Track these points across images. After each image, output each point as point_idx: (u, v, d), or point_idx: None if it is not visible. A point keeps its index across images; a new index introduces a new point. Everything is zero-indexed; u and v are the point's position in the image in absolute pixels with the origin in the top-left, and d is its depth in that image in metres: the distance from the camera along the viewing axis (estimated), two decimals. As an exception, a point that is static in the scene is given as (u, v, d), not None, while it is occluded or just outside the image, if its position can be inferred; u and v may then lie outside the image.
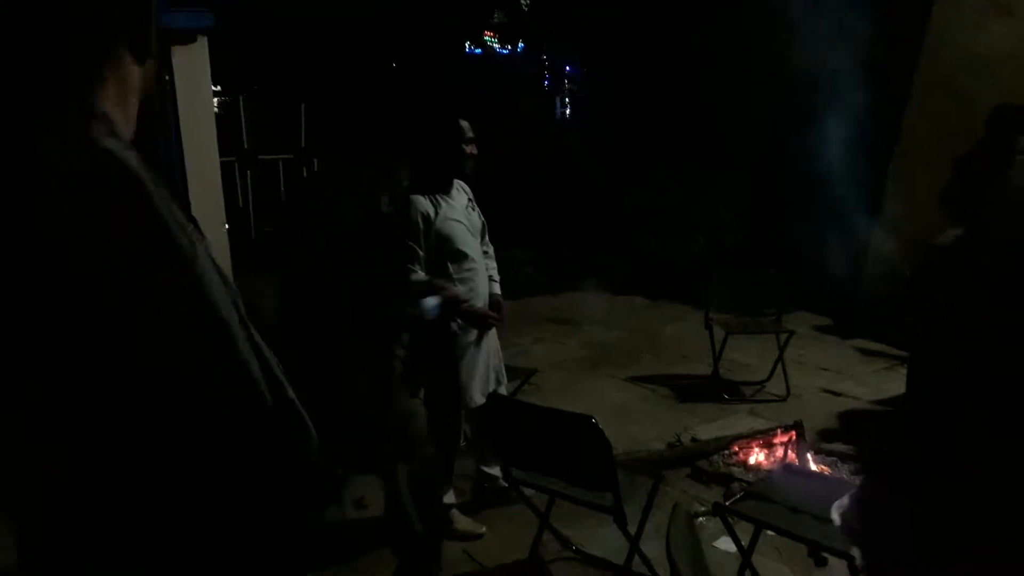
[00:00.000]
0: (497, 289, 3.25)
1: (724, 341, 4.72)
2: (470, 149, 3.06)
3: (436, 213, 2.98)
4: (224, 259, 6.16)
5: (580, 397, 4.48)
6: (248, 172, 9.23)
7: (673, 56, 8.00)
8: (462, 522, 3.20)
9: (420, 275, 2.97)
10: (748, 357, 5.11)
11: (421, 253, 2.97)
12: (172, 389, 0.87)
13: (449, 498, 3.17)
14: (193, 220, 0.96)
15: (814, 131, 6.25)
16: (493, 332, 3.22)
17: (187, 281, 0.88)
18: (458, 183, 3.14)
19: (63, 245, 0.82)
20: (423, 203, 2.98)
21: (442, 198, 3.03)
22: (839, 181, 6.21)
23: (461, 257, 3.04)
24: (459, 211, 3.06)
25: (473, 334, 3.09)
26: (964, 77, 5.44)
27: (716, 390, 4.62)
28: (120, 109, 0.96)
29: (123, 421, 0.87)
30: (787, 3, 6.09)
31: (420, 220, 2.96)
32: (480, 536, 3.16)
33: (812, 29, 5.93)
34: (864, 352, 5.45)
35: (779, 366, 4.65)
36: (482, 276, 3.15)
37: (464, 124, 3.05)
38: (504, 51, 13.22)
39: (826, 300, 6.22)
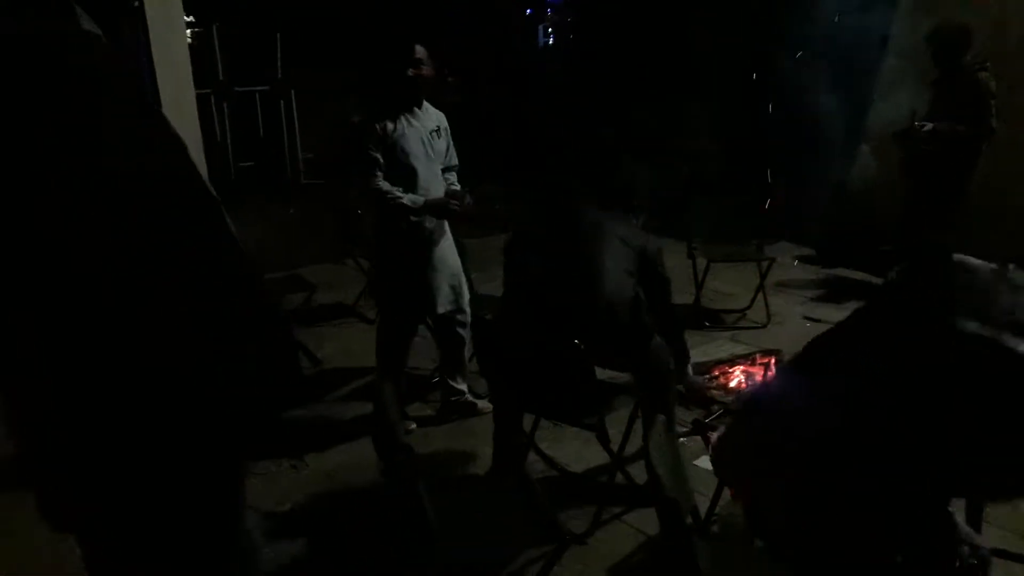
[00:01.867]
0: (456, 184, 3.39)
1: (706, 270, 4.76)
2: (424, 71, 3.15)
3: (395, 128, 3.15)
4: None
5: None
6: (224, 105, 9.03)
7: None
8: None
9: (382, 183, 3.15)
10: (731, 286, 5.17)
11: (381, 161, 3.15)
12: (167, 246, 0.97)
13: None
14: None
15: (798, 58, 6.21)
16: (452, 250, 3.39)
17: (172, 135, 1.00)
18: (435, 111, 3.31)
19: (68, 110, 0.92)
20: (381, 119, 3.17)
21: (406, 117, 3.18)
22: (822, 109, 6.22)
23: (412, 174, 3.18)
24: (420, 131, 3.20)
25: (441, 242, 3.31)
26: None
27: (698, 318, 4.67)
28: None
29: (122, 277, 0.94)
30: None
31: (380, 130, 3.14)
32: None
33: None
34: (845, 280, 5.53)
35: (760, 294, 4.71)
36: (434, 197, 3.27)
37: (419, 48, 3.14)
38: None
39: (809, 230, 6.27)
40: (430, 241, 3.28)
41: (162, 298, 0.94)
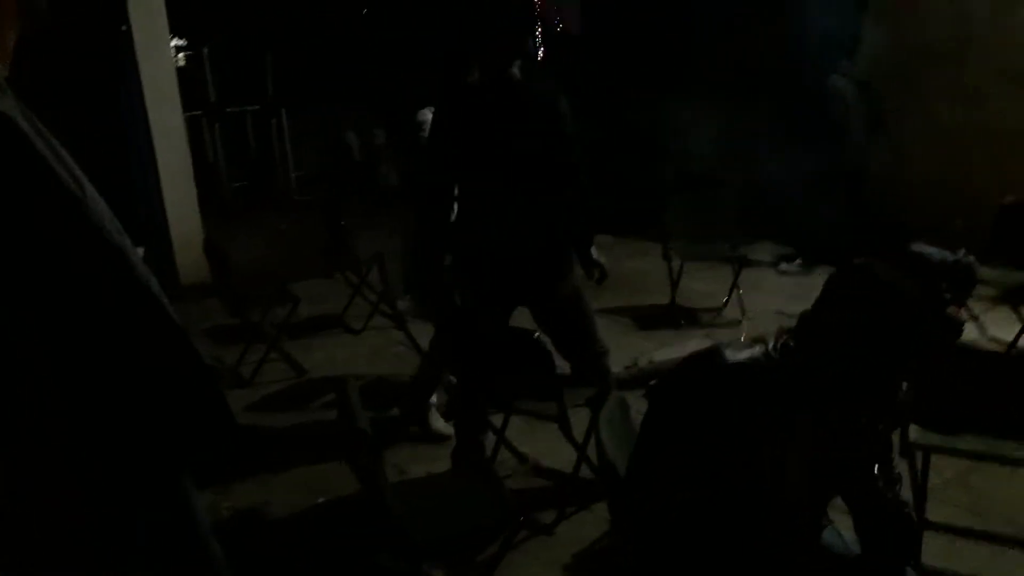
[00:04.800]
0: None
1: (680, 269, 4.87)
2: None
3: None
4: (193, 216, 6.21)
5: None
6: (216, 125, 9.20)
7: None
8: (438, 422, 3.47)
9: None
10: (707, 285, 5.27)
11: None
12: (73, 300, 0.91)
13: (433, 398, 3.51)
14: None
15: (785, 57, 6.29)
16: None
17: (75, 206, 0.91)
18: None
19: None
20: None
21: None
22: (809, 107, 6.28)
23: None
24: None
25: None
26: None
27: (674, 317, 4.78)
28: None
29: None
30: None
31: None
32: (449, 438, 3.35)
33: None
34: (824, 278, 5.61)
35: (734, 292, 4.81)
36: None
37: None
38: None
39: (791, 230, 6.35)
40: None
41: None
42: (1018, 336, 3.98)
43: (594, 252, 2.85)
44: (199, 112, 8.75)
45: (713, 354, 1.50)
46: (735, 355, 1.47)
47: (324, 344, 4.79)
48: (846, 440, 1.52)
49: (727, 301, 4.91)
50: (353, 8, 12.07)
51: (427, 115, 3.24)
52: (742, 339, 3.51)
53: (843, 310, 1.44)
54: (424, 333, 4.11)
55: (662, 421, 1.60)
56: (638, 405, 3.62)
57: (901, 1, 5.98)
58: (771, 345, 1.48)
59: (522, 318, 2.97)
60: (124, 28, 5.82)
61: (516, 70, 2.71)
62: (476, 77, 3.12)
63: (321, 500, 3.00)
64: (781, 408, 1.45)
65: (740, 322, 4.68)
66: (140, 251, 1.12)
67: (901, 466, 1.82)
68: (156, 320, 1.00)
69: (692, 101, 7.25)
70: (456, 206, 2.90)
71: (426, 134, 3.15)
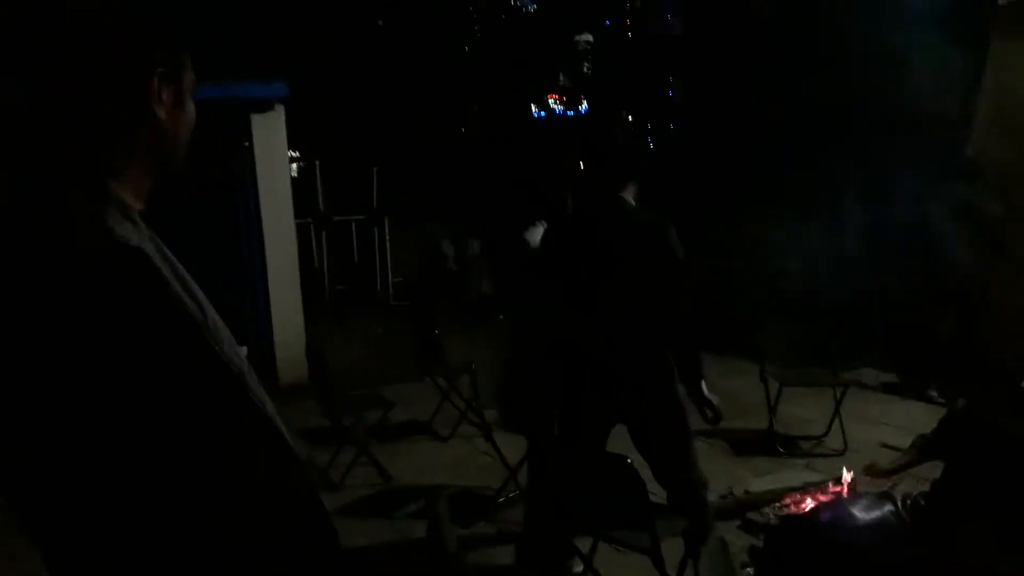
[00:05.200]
0: None
1: (779, 394, 4.69)
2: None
3: None
4: (297, 318, 6.48)
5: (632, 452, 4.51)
6: (323, 232, 9.70)
7: (733, 102, 8.10)
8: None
9: None
10: (807, 412, 5.04)
11: None
12: (200, 444, 0.90)
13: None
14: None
15: (883, 174, 6.20)
16: None
17: (205, 348, 0.92)
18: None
19: (83, 339, 0.83)
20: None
21: None
22: (907, 231, 6.11)
23: None
24: None
25: None
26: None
27: (771, 444, 4.58)
28: (143, 171, 1.00)
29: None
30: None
31: None
32: None
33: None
34: (932, 407, 5.29)
35: (836, 420, 4.58)
36: None
37: None
38: (568, 112, 13.58)
39: (894, 355, 6.08)
40: None
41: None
42: None
43: (704, 389, 2.77)
44: (308, 220, 9.26)
45: (842, 509, 1.44)
46: (866, 514, 1.41)
47: (411, 450, 4.80)
48: None
49: (828, 429, 4.67)
50: (453, 128, 12.76)
51: (535, 233, 3.26)
52: (851, 482, 3.35)
53: (974, 478, 1.36)
54: (509, 443, 4.09)
55: (782, 573, 1.52)
56: (732, 537, 3.46)
57: None
58: (900, 503, 1.42)
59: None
60: (247, 144, 6.30)
61: (630, 197, 2.75)
62: (570, 202, 3.20)
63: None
64: (912, 567, 1.36)
65: (843, 453, 4.43)
66: (244, 350, 1.16)
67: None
68: (271, 442, 1.02)
69: (786, 219, 7.19)
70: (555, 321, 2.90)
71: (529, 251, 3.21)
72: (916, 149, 6.04)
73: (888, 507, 1.41)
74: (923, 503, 1.39)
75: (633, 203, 2.76)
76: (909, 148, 6.15)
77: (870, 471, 2.76)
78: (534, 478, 3.28)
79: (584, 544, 2.91)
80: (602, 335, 2.71)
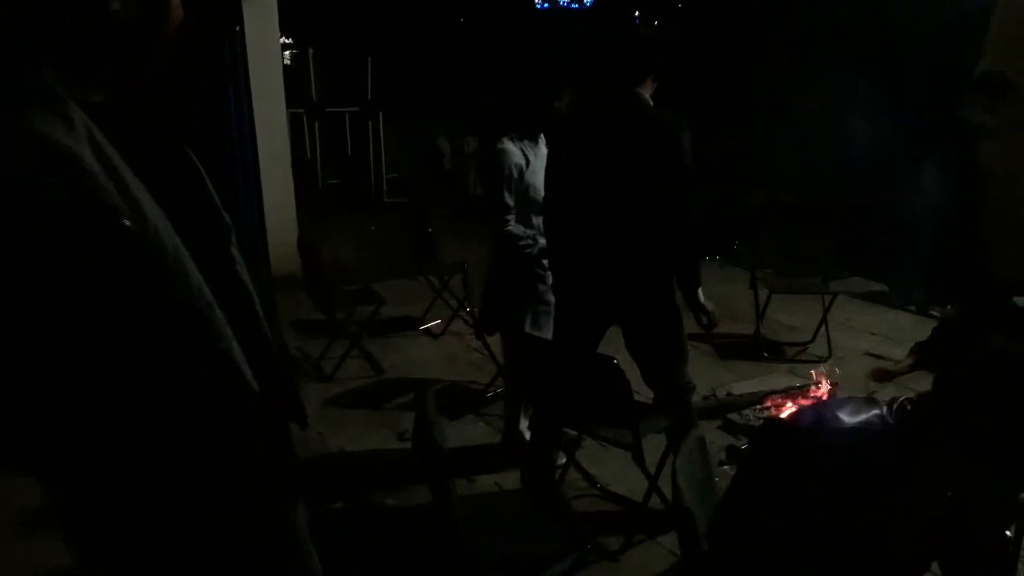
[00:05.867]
0: None
1: (767, 301, 4.74)
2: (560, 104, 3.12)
3: (527, 164, 3.15)
4: (289, 210, 6.43)
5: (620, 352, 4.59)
6: (316, 124, 9.50)
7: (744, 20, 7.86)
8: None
9: (515, 228, 3.17)
10: (794, 319, 5.12)
11: (511, 204, 3.14)
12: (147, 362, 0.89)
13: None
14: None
15: (883, 92, 6.08)
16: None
17: (138, 264, 0.88)
18: (541, 136, 3.25)
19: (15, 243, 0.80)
20: (517, 155, 3.14)
21: (530, 150, 3.18)
22: (909, 148, 6.04)
23: (535, 208, 3.15)
24: (543, 164, 3.13)
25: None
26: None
27: (757, 349, 4.66)
28: (98, 61, 0.95)
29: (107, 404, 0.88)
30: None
31: (514, 171, 3.12)
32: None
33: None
34: (917, 318, 5.38)
35: (822, 328, 4.66)
36: None
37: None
38: (573, 5, 13.07)
39: (885, 266, 6.11)
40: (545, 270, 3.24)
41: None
42: None
43: (701, 296, 2.77)
44: (301, 110, 9.05)
45: (827, 412, 1.47)
46: (851, 417, 1.44)
47: (403, 345, 4.87)
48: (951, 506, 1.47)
49: (814, 337, 4.75)
50: (453, 19, 12.29)
51: (508, 146, 3.16)
52: (832, 387, 3.43)
53: (967, 392, 1.39)
54: (499, 341, 4.14)
55: (764, 474, 1.56)
56: (712, 436, 3.58)
57: None
58: (884, 409, 1.45)
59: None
60: (238, 28, 6.07)
61: (647, 94, 2.67)
62: (565, 103, 3.09)
63: (390, 502, 3.05)
64: (895, 471, 1.41)
65: (826, 359, 4.52)
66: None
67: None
68: (220, 371, 0.99)
69: (787, 129, 7.07)
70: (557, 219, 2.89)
71: (505, 169, 3.12)
72: (924, 64, 5.90)
73: (874, 411, 1.44)
74: (909, 408, 1.43)
75: (651, 101, 2.68)
76: (917, 63, 5.99)
77: (876, 375, 2.81)
78: (514, 373, 3.37)
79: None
80: (605, 236, 2.69)
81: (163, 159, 1.09)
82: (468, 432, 3.71)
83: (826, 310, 4.61)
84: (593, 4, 12.91)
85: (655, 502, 2.84)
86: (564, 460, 3.15)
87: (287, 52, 9.60)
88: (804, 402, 3.70)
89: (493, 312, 3.45)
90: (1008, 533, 1.61)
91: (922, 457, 1.40)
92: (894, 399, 1.47)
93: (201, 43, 5.79)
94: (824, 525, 1.44)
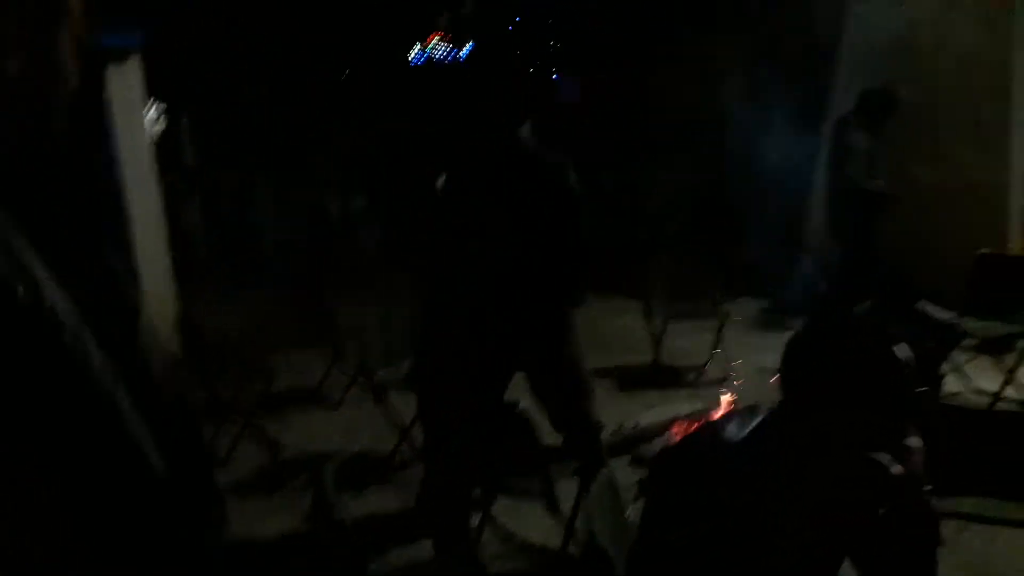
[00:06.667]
0: None
1: (663, 328, 4.83)
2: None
3: None
4: (167, 283, 6.09)
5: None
6: (195, 191, 9.15)
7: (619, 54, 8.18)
8: None
9: None
10: (691, 343, 5.22)
11: None
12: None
13: None
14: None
15: (752, 118, 6.42)
16: None
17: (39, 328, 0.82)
18: None
19: None
20: None
21: None
22: (778, 166, 6.37)
23: None
24: None
25: None
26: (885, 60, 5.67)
27: (658, 377, 4.73)
28: None
29: None
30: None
31: None
32: None
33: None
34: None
35: (719, 349, 4.78)
36: None
37: None
38: (449, 57, 13.23)
39: (769, 285, 6.37)
40: None
41: None
42: (1003, 387, 3.97)
43: None
44: (176, 178, 8.70)
45: (715, 435, 1.48)
46: (738, 432, 1.46)
47: (300, 419, 4.66)
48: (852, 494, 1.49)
49: (709, 359, 4.87)
50: (330, 71, 12.20)
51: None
52: (733, 405, 3.50)
53: (837, 372, 1.43)
54: (401, 404, 4.01)
55: (667, 497, 1.55)
56: (624, 473, 3.56)
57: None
58: (767, 413, 1.48)
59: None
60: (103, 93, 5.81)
61: (527, 133, 2.68)
62: (477, 142, 3.07)
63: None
64: (784, 466, 1.42)
65: (724, 380, 4.62)
66: None
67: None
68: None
69: (662, 162, 7.36)
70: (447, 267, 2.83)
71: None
72: (792, 87, 6.27)
73: (758, 418, 1.47)
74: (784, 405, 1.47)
75: (531, 141, 2.69)
76: (783, 87, 6.36)
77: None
78: (429, 437, 3.25)
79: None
80: (501, 278, 2.66)
81: (62, 234, 1.00)
82: (374, 503, 3.55)
83: (719, 331, 4.74)
84: (467, 58, 13.12)
85: (575, 548, 2.78)
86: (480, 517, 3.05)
87: (162, 117, 9.25)
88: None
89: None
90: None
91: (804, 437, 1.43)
92: (775, 403, 1.52)
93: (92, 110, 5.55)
94: (733, 527, 1.43)
